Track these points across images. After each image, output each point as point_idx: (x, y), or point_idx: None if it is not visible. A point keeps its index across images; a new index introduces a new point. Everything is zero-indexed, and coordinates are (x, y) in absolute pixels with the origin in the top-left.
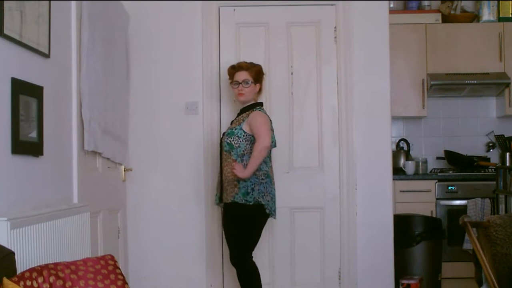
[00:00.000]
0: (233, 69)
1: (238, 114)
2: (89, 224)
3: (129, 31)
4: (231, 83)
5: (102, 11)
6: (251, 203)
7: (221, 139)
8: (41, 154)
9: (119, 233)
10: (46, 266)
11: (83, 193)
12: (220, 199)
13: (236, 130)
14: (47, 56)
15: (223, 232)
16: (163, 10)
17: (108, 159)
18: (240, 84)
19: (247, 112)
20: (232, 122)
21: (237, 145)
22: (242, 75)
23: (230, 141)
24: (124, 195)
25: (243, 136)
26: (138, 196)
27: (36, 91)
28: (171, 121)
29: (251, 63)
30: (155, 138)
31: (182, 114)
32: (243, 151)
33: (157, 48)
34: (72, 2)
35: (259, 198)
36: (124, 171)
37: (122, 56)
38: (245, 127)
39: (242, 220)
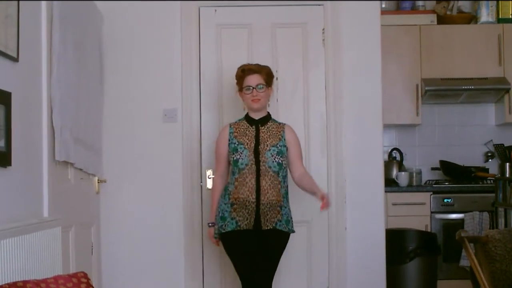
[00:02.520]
0: (243, 73)
1: (255, 124)
2: (60, 239)
3: (103, 33)
4: (240, 89)
5: (74, 12)
6: (291, 232)
7: (256, 157)
8: (9, 164)
9: (92, 249)
10: (14, 284)
11: (54, 206)
12: (253, 224)
13: (281, 147)
14: (15, 59)
15: (241, 259)
16: (139, 10)
17: (80, 169)
18: (254, 89)
19: (275, 125)
20: (234, 133)
21: (285, 165)
22: (254, 79)
23: (281, 160)
24: (98, 208)
25: (286, 156)
26: (112, 209)
27: (3, 97)
28: (148, 129)
29: (259, 65)
30: (131, 147)
31: (159, 121)
32: (286, 171)
33: (133, 51)
34: (42, 2)
35: (293, 227)
36: (98, 182)
37: (96, 60)
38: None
39: (282, 248)
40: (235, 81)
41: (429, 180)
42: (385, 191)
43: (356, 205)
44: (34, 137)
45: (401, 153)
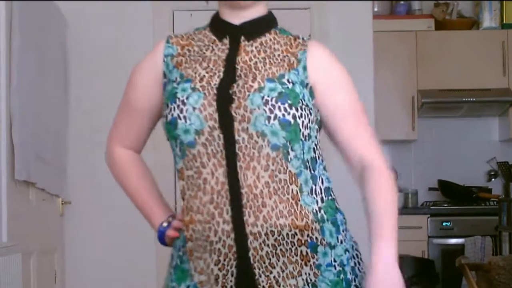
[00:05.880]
0: None
1: (230, 36)
2: (20, 267)
3: (68, 40)
4: None
5: (36, 16)
6: None
7: (225, 111)
8: None
9: (55, 277)
10: None
11: (14, 230)
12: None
13: (292, 85)
14: None
15: None
16: (107, 14)
17: (43, 190)
18: None
19: (284, 39)
20: (177, 57)
21: (307, 130)
22: None
23: (294, 116)
24: (62, 232)
25: (309, 107)
26: (78, 234)
27: None
28: None
29: None
30: (97, 165)
31: None
32: (314, 150)
33: (101, 59)
34: (1, 2)
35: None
36: (62, 204)
37: (60, 69)
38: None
39: None
40: None
41: (426, 202)
42: None
43: None
44: None
45: (395, 172)
